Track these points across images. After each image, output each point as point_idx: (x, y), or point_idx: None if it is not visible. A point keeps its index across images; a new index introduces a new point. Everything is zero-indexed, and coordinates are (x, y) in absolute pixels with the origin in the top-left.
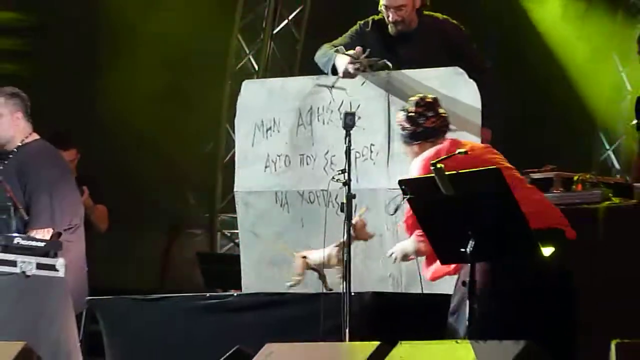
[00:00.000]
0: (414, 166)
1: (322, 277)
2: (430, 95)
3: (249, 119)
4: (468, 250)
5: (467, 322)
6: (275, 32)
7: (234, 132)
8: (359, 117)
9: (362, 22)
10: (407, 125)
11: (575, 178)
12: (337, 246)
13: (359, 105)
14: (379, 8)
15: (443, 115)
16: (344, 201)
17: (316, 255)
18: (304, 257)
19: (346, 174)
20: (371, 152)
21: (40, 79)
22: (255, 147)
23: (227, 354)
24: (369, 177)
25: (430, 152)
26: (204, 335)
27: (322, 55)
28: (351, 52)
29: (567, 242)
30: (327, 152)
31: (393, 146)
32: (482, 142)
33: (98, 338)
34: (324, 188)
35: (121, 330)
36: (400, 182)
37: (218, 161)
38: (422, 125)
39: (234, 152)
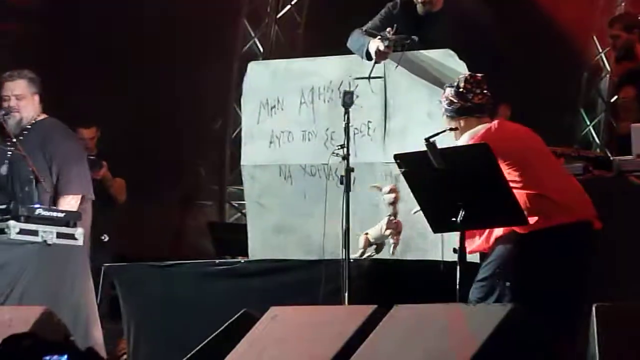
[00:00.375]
0: (465, 139)
1: (379, 249)
2: (478, 74)
3: (255, 98)
4: (458, 219)
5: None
6: (278, 16)
7: (241, 110)
8: (357, 96)
9: (390, 3)
10: (456, 100)
11: (558, 152)
12: (387, 221)
13: (357, 85)
14: None
15: (488, 93)
16: (343, 174)
17: (374, 232)
18: (367, 234)
19: (345, 149)
20: (368, 128)
21: (62, 65)
22: (261, 124)
23: (235, 317)
24: (366, 152)
25: (480, 128)
26: (214, 299)
27: (355, 41)
28: (382, 33)
29: (595, 234)
30: (327, 129)
31: (389, 123)
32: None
33: (115, 302)
34: (324, 162)
35: (137, 295)
36: (396, 157)
37: (227, 137)
38: (471, 100)
39: (241, 129)
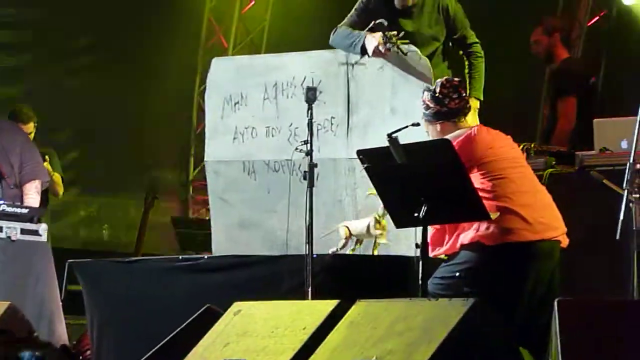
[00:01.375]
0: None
1: (360, 242)
2: (455, 78)
3: (219, 94)
4: (421, 214)
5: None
6: (243, 12)
7: (204, 104)
8: (320, 92)
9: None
10: (432, 105)
11: (521, 147)
12: (373, 218)
13: (320, 81)
14: None
15: (465, 97)
16: (307, 170)
17: (355, 225)
18: (346, 226)
19: (308, 145)
20: (332, 124)
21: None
22: (225, 120)
23: (198, 313)
24: (330, 147)
25: (460, 133)
26: (177, 295)
27: (345, 37)
28: (383, 34)
29: (561, 252)
30: (290, 125)
31: (352, 119)
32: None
33: (79, 297)
34: (288, 158)
35: (99, 290)
36: (358, 152)
37: (191, 133)
38: (447, 105)
39: (204, 124)
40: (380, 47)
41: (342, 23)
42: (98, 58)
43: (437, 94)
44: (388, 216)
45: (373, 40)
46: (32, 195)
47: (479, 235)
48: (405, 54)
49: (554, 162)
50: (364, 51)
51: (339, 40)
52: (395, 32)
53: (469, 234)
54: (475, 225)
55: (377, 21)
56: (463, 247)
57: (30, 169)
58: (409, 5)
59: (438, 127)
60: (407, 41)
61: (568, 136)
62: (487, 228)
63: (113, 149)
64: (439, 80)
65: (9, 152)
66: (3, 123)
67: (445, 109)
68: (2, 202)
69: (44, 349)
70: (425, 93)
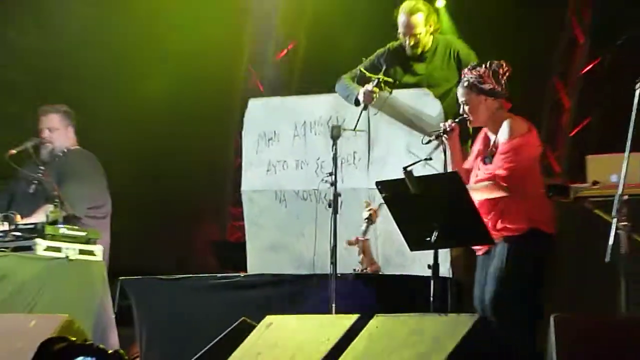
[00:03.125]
0: (506, 131)
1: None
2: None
3: (254, 131)
4: (432, 239)
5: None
6: (278, 59)
7: (241, 141)
8: (344, 129)
9: (380, 51)
10: (489, 81)
11: None
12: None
13: (344, 120)
14: (397, 35)
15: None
16: (332, 198)
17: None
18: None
19: (333, 176)
20: (354, 158)
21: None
22: (259, 154)
23: (234, 325)
24: (352, 179)
25: (523, 127)
26: (215, 309)
27: (344, 88)
28: (368, 87)
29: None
30: (318, 158)
31: (372, 153)
32: None
33: (129, 311)
34: (315, 188)
35: (147, 304)
36: (377, 183)
37: (229, 166)
38: (502, 86)
39: (241, 158)
40: (369, 87)
41: (346, 74)
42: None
43: (499, 74)
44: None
45: (362, 89)
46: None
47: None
48: (390, 92)
49: (551, 194)
50: (357, 103)
51: (339, 90)
52: (375, 90)
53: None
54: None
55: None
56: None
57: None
58: (419, 53)
59: (489, 102)
60: (391, 80)
61: None
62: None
63: (161, 178)
64: (495, 62)
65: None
66: (82, 156)
67: (500, 88)
68: (62, 225)
69: (99, 354)
70: (484, 68)
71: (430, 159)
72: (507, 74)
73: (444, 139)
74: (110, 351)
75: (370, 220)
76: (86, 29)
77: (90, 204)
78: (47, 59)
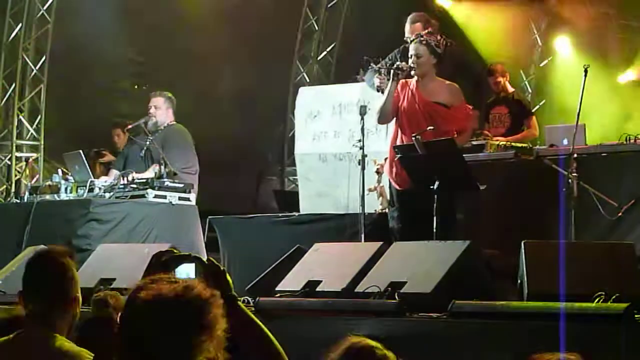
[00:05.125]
0: (456, 92)
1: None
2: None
3: (303, 110)
4: (434, 187)
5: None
6: (319, 58)
7: (294, 118)
8: (369, 108)
9: (397, 50)
10: (441, 47)
11: (498, 143)
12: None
13: (369, 101)
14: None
15: None
16: (360, 159)
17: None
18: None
19: (361, 142)
20: (376, 129)
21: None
22: (307, 127)
23: (291, 250)
24: (375, 144)
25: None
26: (278, 239)
27: (368, 79)
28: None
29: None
30: (349, 130)
31: (389, 126)
32: None
33: (215, 241)
34: (348, 151)
35: (228, 236)
36: (394, 148)
37: (286, 135)
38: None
39: (294, 130)
40: (376, 82)
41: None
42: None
43: (444, 44)
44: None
45: (376, 80)
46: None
47: None
48: (394, 70)
49: (519, 154)
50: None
51: (366, 78)
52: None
53: None
54: None
55: (391, 63)
56: None
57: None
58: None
59: (434, 61)
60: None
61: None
62: None
63: (237, 143)
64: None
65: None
66: (175, 130)
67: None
68: (166, 179)
69: (197, 260)
70: (440, 37)
71: (433, 128)
72: (447, 47)
73: (395, 72)
74: (205, 260)
75: (378, 172)
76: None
77: (184, 165)
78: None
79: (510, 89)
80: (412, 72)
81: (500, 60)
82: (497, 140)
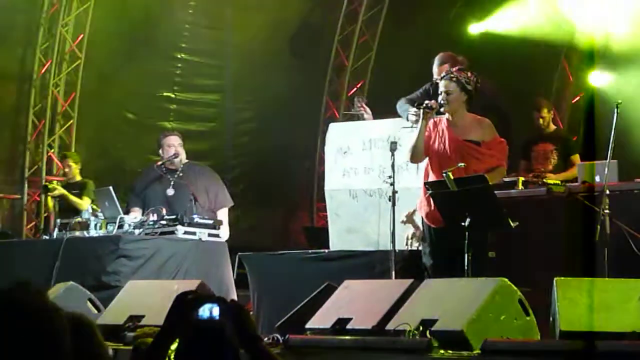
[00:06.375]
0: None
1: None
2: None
3: (333, 146)
4: (466, 224)
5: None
6: (349, 94)
7: (324, 153)
8: (400, 145)
9: (428, 84)
10: (472, 84)
11: (536, 180)
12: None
13: (399, 138)
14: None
15: None
16: (390, 195)
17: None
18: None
19: (392, 179)
20: (407, 165)
21: None
22: (337, 163)
23: (321, 287)
24: (405, 180)
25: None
26: (308, 276)
27: (401, 107)
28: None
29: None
30: (380, 165)
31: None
32: None
33: (244, 278)
34: (378, 187)
35: (258, 273)
36: (425, 184)
37: (315, 171)
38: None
39: (324, 166)
40: (412, 118)
41: (407, 97)
42: None
43: (475, 82)
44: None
45: (411, 113)
46: (221, 215)
47: None
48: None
49: (552, 189)
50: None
51: (398, 108)
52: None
53: None
54: None
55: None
56: None
57: (220, 201)
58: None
59: (464, 98)
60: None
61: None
62: None
63: (269, 180)
64: (470, 74)
65: (208, 188)
66: (203, 167)
67: (473, 93)
68: (195, 215)
69: (221, 301)
70: (470, 74)
71: (464, 165)
72: (478, 84)
73: (425, 111)
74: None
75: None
76: None
77: (230, 202)
78: None
79: (553, 126)
80: (442, 109)
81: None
82: (550, 178)
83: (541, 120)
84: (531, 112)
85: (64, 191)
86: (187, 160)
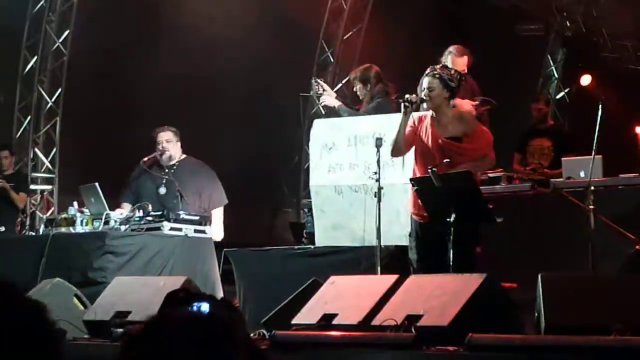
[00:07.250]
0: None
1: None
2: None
3: (318, 142)
4: (451, 219)
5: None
6: (335, 90)
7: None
8: (385, 140)
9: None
10: (454, 85)
11: (514, 176)
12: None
13: (385, 133)
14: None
15: None
16: (376, 191)
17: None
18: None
19: (377, 175)
20: (392, 161)
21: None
22: (322, 159)
23: (307, 283)
24: (391, 176)
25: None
26: (294, 272)
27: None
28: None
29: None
30: (365, 161)
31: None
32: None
33: (230, 273)
34: (364, 183)
35: (244, 268)
36: (410, 179)
37: (301, 167)
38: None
39: (309, 162)
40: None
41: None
42: None
43: (459, 81)
44: None
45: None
46: (216, 215)
47: None
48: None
49: (536, 185)
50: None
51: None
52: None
53: None
54: None
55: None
56: None
57: (215, 197)
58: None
59: (447, 95)
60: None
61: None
62: None
63: (254, 178)
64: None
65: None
66: (197, 164)
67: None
68: (182, 212)
69: (211, 299)
70: (454, 72)
71: (449, 161)
72: (462, 82)
73: (405, 105)
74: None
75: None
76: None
77: (225, 200)
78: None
79: (551, 121)
80: (425, 105)
81: None
82: (514, 174)
83: (537, 112)
84: (527, 104)
85: (7, 185)
86: (184, 156)
